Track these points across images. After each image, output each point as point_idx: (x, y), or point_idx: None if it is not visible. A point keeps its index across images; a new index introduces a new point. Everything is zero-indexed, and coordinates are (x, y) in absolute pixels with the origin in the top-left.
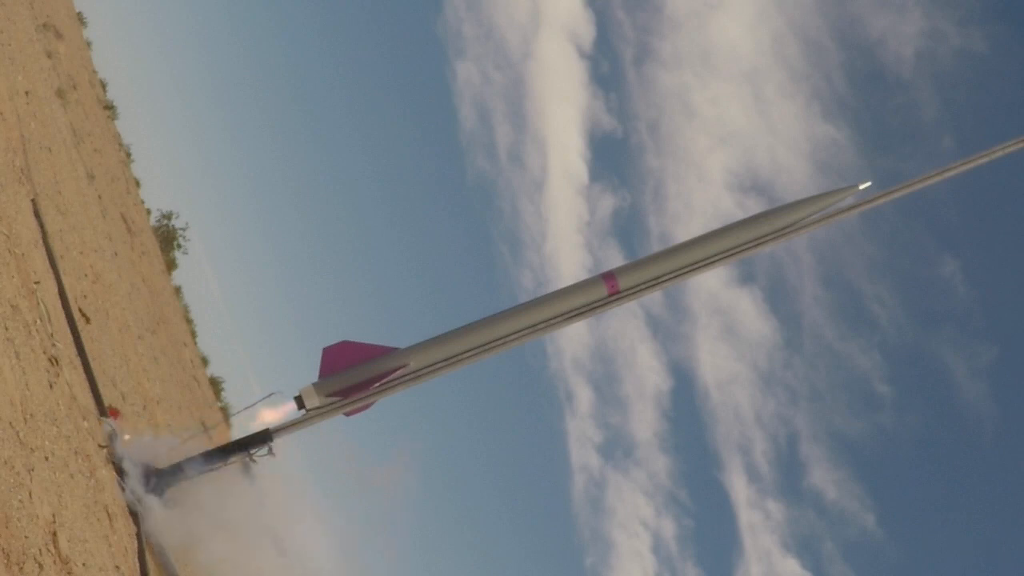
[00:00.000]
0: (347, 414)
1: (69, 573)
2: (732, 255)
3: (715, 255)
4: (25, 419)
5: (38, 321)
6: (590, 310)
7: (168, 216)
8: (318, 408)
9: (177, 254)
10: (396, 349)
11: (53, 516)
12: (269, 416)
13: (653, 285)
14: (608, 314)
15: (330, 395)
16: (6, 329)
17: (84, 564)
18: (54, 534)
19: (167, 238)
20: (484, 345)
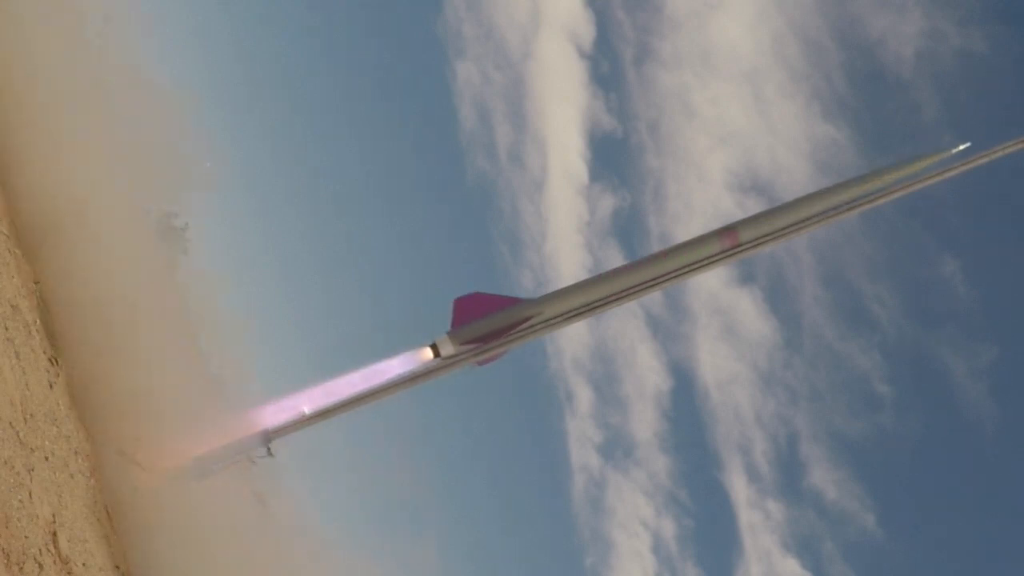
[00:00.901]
0: (479, 363)
1: (69, 573)
2: (846, 210)
3: (829, 210)
4: (25, 419)
5: (38, 321)
6: (712, 262)
7: (168, 216)
8: (453, 356)
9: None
10: (526, 300)
11: (53, 516)
12: (399, 365)
13: (773, 238)
14: (608, 314)
15: (464, 343)
16: (6, 329)
17: (84, 564)
18: (54, 534)
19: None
20: (611, 296)
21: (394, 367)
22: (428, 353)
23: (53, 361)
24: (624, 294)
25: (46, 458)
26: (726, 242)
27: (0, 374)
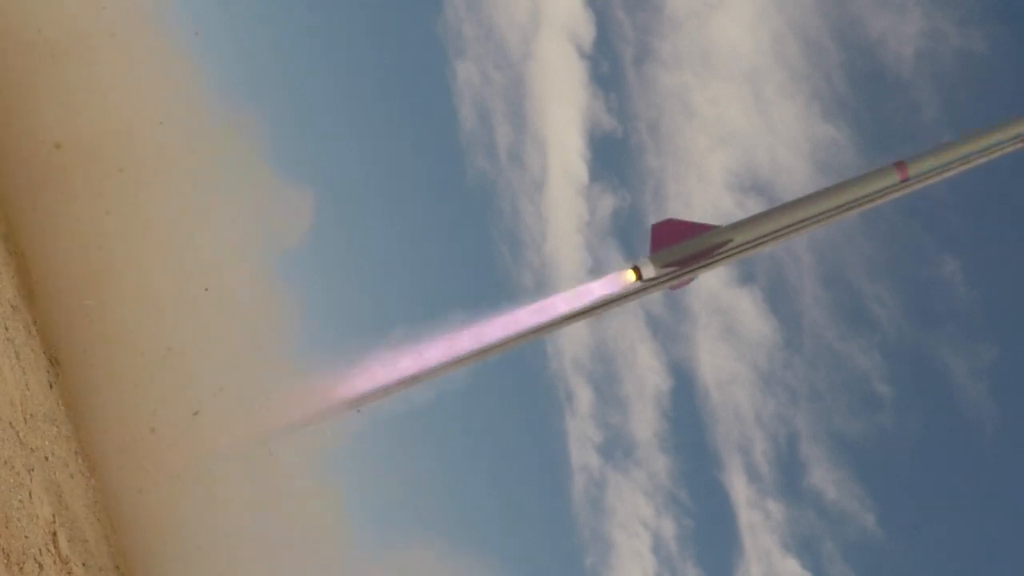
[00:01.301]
0: (673, 288)
1: (69, 573)
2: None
3: (994, 145)
4: (25, 419)
5: (38, 321)
6: (886, 194)
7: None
8: (653, 279)
9: None
10: (719, 226)
11: (53, 516)
12: (601, 288)
13: (942, 172)
14: (608, 314)
15: (665, 266)
16: (6, 329)
17: (84, 564)
18: (54, 534)
19: None
20: (796, 223)
21: (596, 290)
22: (630, 276)
23: (53, 361)
24: (809, 221)
25: (46, 458)
26: (897, 176)
27: (0, 374)
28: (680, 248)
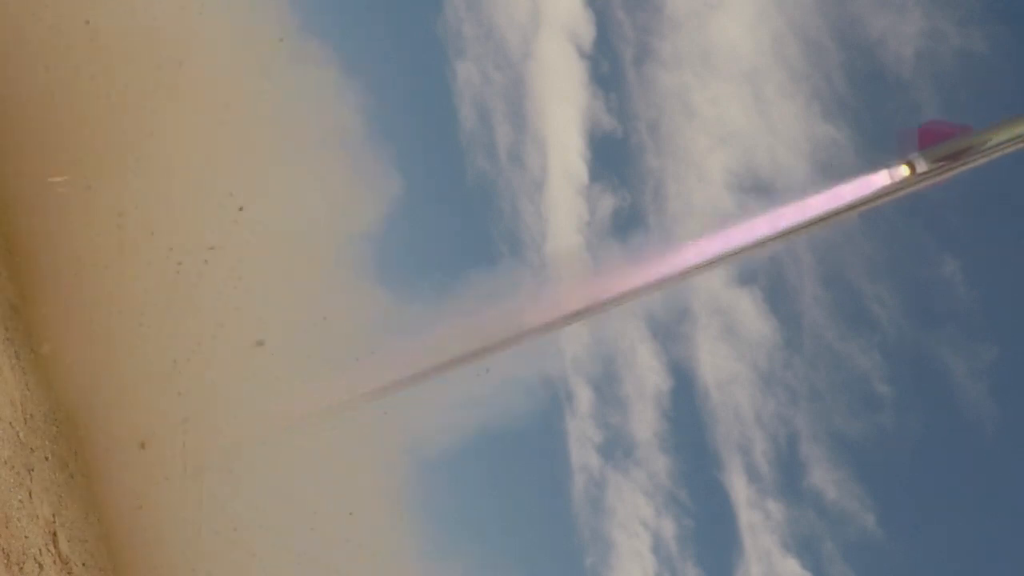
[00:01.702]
0: (936, 183)
1: (69, 573)
2: None
3: None
4: (25, 419)
5: (38, 321)
6: None
7: None
8: (925, 173)
9: None
10: (971, 127)
11: (53, 516)
12: (880, 180)
13: None
14: (608, 315)
15: (934, 162)
16: (6, 329)
17: (84, 564)
18: (54, 534)
19: None
20: None
21: (876, 181)
22: (904, 170)
23: (53, 361)
24: None
25: (46, 458)
26: None
27: (0, 374)
28: (946, 146)
